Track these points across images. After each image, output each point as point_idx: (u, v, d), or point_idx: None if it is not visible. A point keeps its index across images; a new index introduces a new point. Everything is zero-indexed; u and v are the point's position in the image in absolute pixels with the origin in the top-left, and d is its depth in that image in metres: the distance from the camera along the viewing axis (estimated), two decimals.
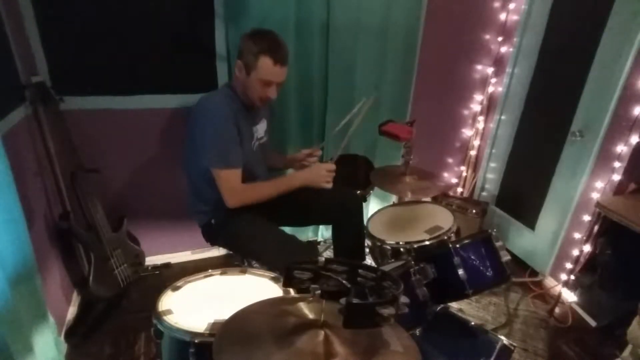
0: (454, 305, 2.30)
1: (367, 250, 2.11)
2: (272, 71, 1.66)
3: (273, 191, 1.80)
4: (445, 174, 3.19)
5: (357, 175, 2.39)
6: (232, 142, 1.71)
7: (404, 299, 0.90)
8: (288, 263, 1.03)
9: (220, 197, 1.81)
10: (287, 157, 2.19)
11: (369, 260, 2.09)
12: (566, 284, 2.38)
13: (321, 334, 0.94)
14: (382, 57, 2.48)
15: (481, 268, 1.56)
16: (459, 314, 1.79)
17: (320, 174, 1.82)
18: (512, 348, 1.49)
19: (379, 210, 2.12)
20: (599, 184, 2.21)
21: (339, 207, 2.05)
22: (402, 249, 1.77)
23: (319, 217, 2.15)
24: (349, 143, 2.59)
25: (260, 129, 1.93)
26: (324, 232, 2.90)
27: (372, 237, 1.87)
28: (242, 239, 1.83)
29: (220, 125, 1.68)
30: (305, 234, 2.89)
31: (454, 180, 3.23)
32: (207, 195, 1.82)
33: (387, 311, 0.86)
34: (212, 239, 1.95)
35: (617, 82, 2.07)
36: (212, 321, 1.19)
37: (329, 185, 1.83)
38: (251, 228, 1.81)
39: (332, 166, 1.84)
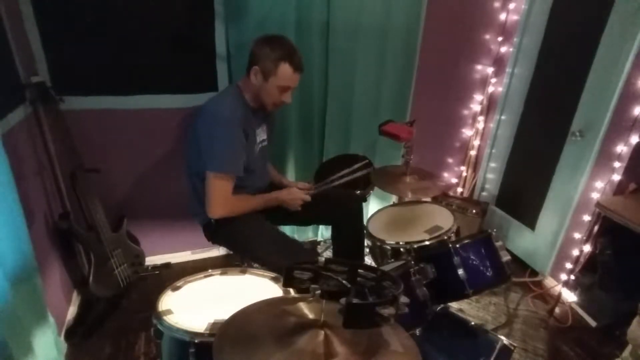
0: (454, 305, 2.30)
1: (367, 250, 2.11)
2: (291, 77, 1.70)
3: (258, 205, 1.85)
4: (445, 174, 3.19)
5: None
6: (238, 149, 1.72)
7: (404, 299, 0.90)
8: (288, 265, 1.03)
9: None
10: (280, 179, 2.19)
11: (369, 260, 2.09)
12: (566, 284, 2.38)
13: (321, 334, 0.94)
14: (382, 57, 2.48)
15: (481, 268, 1.56)
16: (459, 314, 1.79)
17: (294, 197, 1.87)
18: (512, 348, 1.49)
19: (379, 210, 2.12)
20: (599, 184, 2.21)
21: (339, 207, 2.06)
22: (402, 249, 1.77)
23: (319, 217, 2.16)
24: (348, 143, 2.63)
25: (263, 131, 1.93)
26: (324, 232, 2.90)
27: (372, 237, 1.86)
28: (243, 240, 1.83)
29: (230, 131, 1.68)
30: (306, 234, 2.89)
31: (454, 180, 3.23)
32: None
33: (387, 311, 0.86)
34: (213, 238, 1.95)
35: (617, 82, 2.07)
36: (212, 321, 1.19)
37: (295, 209, 1.89)
38: (252, 230, 1.81)
39: (308, 198, 1.89)
